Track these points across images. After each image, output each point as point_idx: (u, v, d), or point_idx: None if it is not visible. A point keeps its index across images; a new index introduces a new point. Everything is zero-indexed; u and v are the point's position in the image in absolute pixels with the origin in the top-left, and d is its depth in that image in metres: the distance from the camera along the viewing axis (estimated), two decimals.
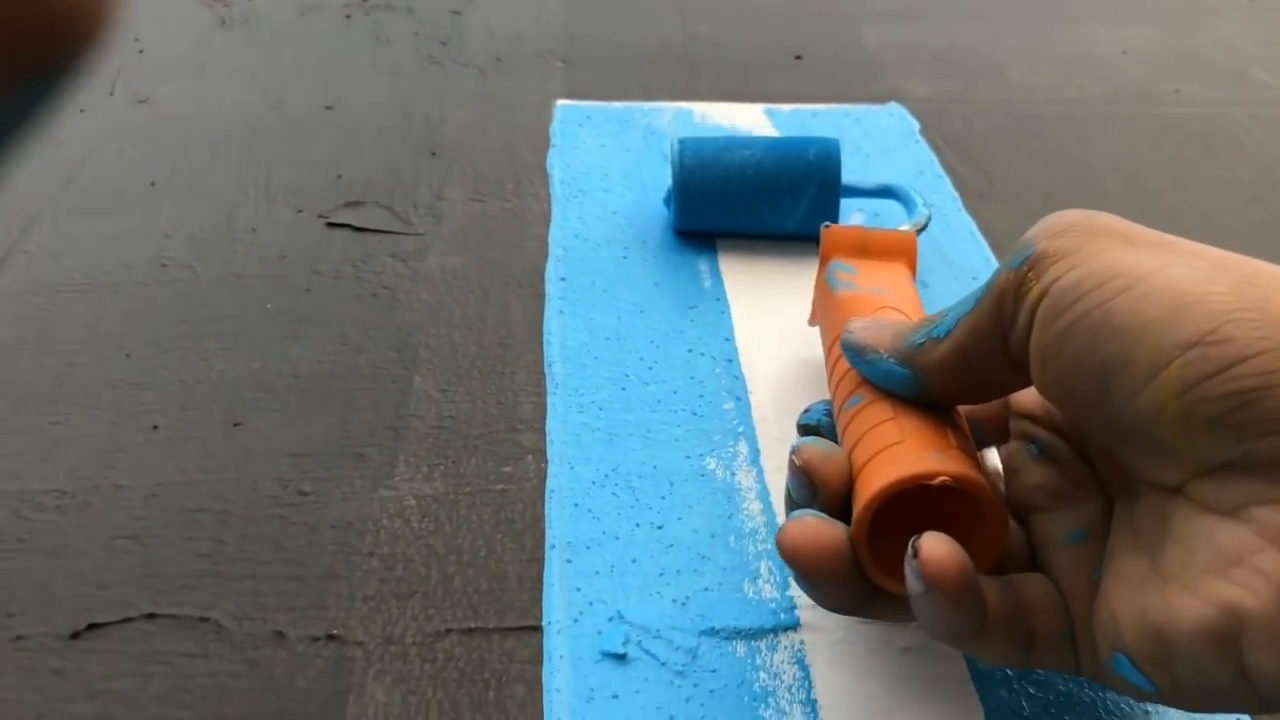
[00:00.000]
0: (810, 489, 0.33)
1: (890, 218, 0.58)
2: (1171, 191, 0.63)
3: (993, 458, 0.35)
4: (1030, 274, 0.28)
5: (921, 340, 0.32)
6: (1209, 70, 0.77)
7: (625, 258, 0.56)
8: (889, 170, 0.63)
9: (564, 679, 0.36)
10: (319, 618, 0.38)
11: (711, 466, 0.44)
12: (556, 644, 0.37)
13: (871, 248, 0.46)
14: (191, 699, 0.36)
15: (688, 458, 0.45)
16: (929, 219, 0.54)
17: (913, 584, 0.29)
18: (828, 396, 0.47)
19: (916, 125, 0.68)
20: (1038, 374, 0.28)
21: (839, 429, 0.35)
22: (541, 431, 0.46)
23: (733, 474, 0.44)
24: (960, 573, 0.28)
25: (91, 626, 0.38)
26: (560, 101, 0.71)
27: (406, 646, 0.37)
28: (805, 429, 0.38)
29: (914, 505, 0.31)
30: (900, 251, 0.46)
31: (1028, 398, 0.34)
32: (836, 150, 0.55)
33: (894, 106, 0.70)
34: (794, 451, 0.33)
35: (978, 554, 0.30)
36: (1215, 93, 0.74)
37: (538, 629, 0.38)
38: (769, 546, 0.41)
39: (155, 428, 0.46)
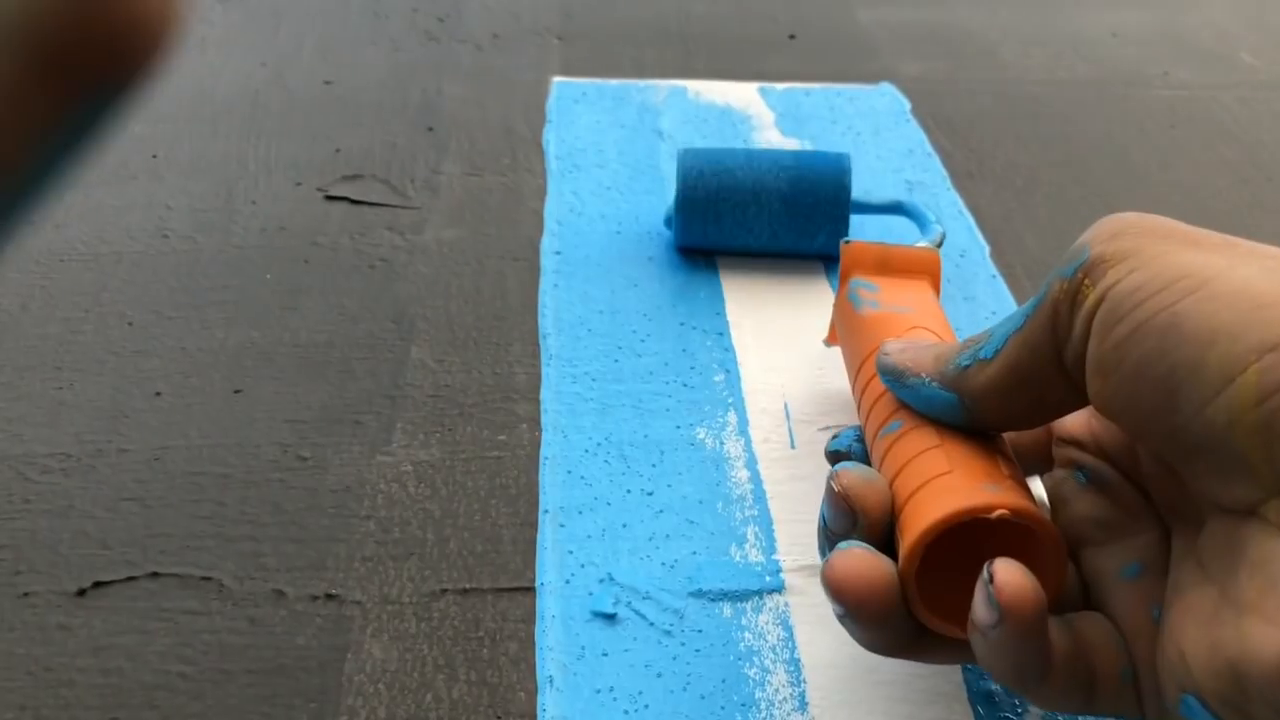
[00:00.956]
0: (850, 517, 0.30)
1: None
2: (1157, 172, 0.64)
3: (1037, 487, 0.32)
4: (1086, 280, 0.26)
5: (968, 362, 0.30)
6: (1198, 53, 0.78)
7: (619, 232, 0.57)
8: (879, 148, 0.64)
9: (555, 637, 0.37)
10: (318, 578, 0.39)
11: (701, 436, 0.46)
12: (548, 604, 0.39)
13: (893, 264, 0.44)
14: (194, 654, 0.37)
15: (678, 427, 0.46)
16: (944, 236, 0.51)
17: (983, 614, 0.26)
18: (817, 372, 0.48)
19: (908, 105, 0.69)
20: (1095, 387, 0.26)
21: (874, 457, 0.33)
22: (536, 401, 0.47)
23: (721, 443, 0.45)
24: (1037, 601, 0.26)
25: (97, 584, 0.39)
26: (556, 78, 0.71)
27: (403, 606, 0.38)
28: (835, 456, 0.35)
29: (965, 541, 0.29)
30: (923, 268, 0.44)
31: (1073, 421, 0.32)
32: (847, 166, 0.52)
33: (886, 86, 0.71)
34: (831, 477, 0.30)
35: None
36: (1203, 76, 0.75)
37: (530, 590, 0.39)
38: (756, 513, 0.42)
39: (158, 394, 0.47)
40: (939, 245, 0.50)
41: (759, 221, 0.53)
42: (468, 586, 0.39)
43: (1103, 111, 0.70)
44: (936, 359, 0.31)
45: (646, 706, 0.35)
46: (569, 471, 0.44)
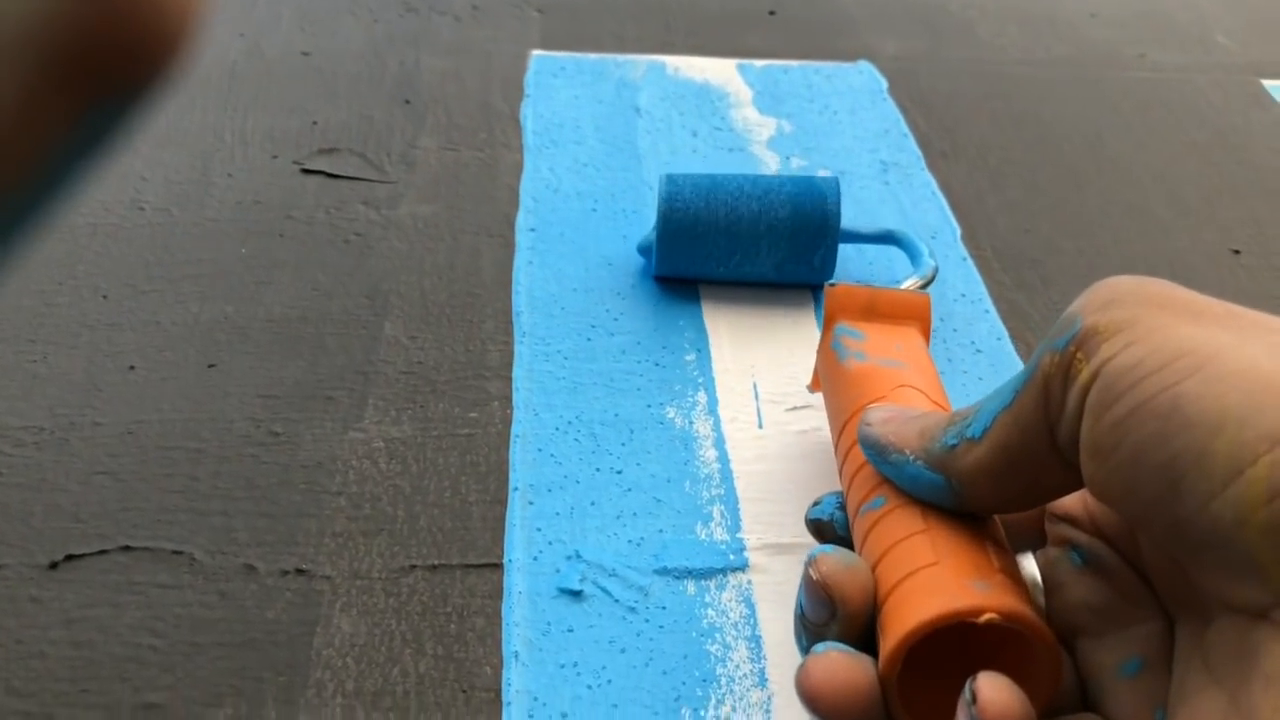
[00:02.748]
0: (828, 608, 0.28)
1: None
2: (1130, 154, 0.64)
3: (1029, 566, 0.30)
4: (1079, 354, 0.24)
5: (954, 441, 0.27)
6: (1174, 35, 0.78)
7: (594, 210, 0.57)
8: (855, 127, 0.65)
9: (522, 613, 0.38)
10: (289, 553, 0.40)
11: (671, 415, 0.46)
12: (516, 580, 0.39)
13: (880, 309, 0.41)
14: (165, 627, 0.37)
15: (648, 406, 0.47)
16: (936, 272, 0.49)
17: None
18: (786, 353, 0.49)
19: (885, 84, 0.69)
20: (1090, 470, 0.24)
21: (856, 534, 0.31)
22: (508, 379, 0.47)
23: (691, 423, 0.46)
24: None
25: (69, 558, 0.39)
26: (535, 52, 0.71)
27: (372, 581, 0.39)
28: (816, 526, 0.33)
29: (951, 639, 0.27)
30: (912, 314, 0.41)
31: (1069, 497, 0.29)
32: (836, 195, 0.50)
33: (863, 64, 0.71)
34: (809, 563, 0.28)
35: (1029, 695, 0.25)
36: (1179, 57, 0.75)
37: (499, 566, 0.40)
38: (722, 491, 0.43)
39: (132, 368, 0.47)
40: (931, 280, 0.48)
41: (743, 255, 0.50)
42: (436, 563, 0.40)
43: (1078, 92, 0.70)
44: (921, 434, 0.29)
45: (609, 681, 0.36)
46: (539, 449, 0.44)
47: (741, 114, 0.65)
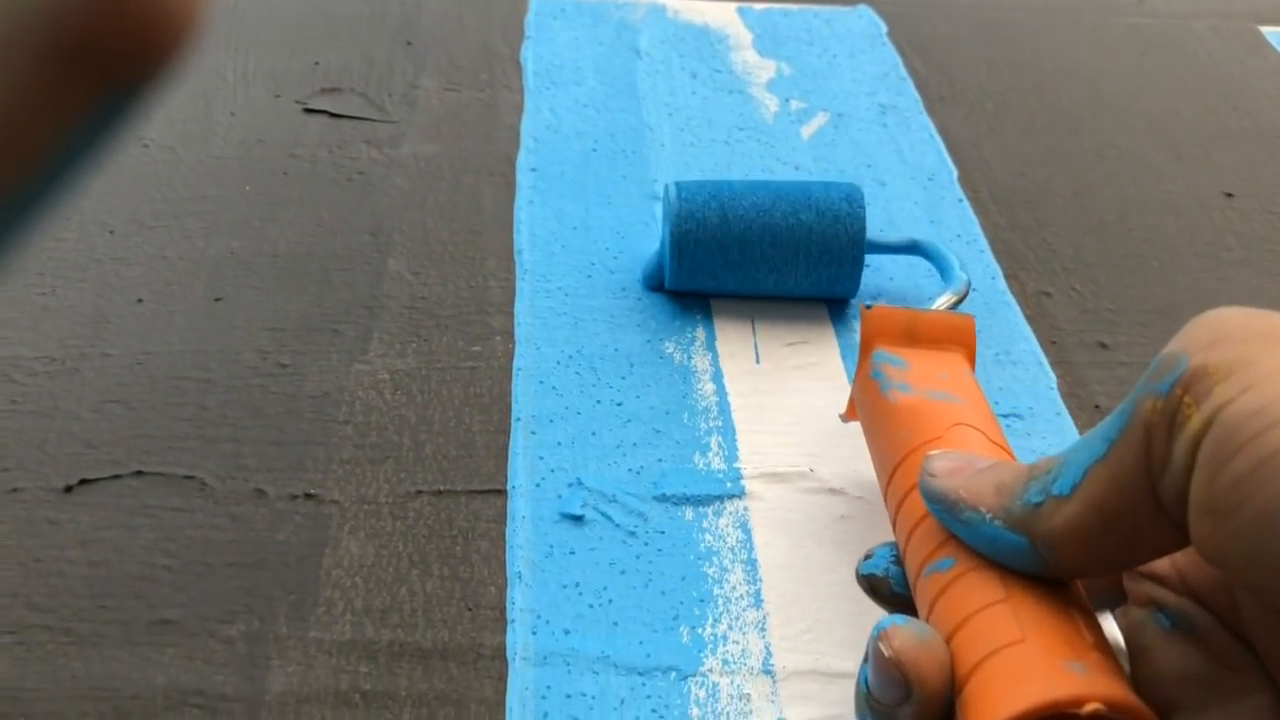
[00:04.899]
0: (903, 689, 0.25)
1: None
2: (1126, 99, 0.65)
3: (1110, 627, 0.26)
4: (1186, 398, 0.21)
5: (1038, 499, 0.24)
6: None
7: (595, 150, 0.58)
8: (854, 71, 0.65)
9: (525, 536, 0.39)
10: (297, 478, 0.41)
11: (670, 350, 0.47)
12: (519, 506, 0.40)
13: (921, 332, 0.38)
14: (177, 548, 0.38)
15: (648, 341, 0.47)
16: (969, 287, 0.45)
17: None
18: (789, 313, 0.50)
19: (884, 28, 0.70)
20: (1204, 531, 0.21)
21: (920, 597, 0.28)
22: (510, 314, 0.48)
23: (689, 357, 0.47)
24: None
25: (83, 482, 0.40)
26: None
27: (379, 505, 0.40)
28: (869, 582, 0.30)
29: None
30: (956, 338, 0.38)
31: None
32: (860, 204, 0.46)
33: (863, 9, 0.71)
34: (879, 637, 0.25)
35: None
36: (1177, 4, 0.75)
37: (502, 492, 0.41)
38: (720, 423, 0.44)
39: (139, 301, 0.48)
40: (964, 296, 0.45)
41: (762, 271, 0.47)
42: (442, 488, 0.41)
43: (1077, 39, 0.71)
44: (998, 490, 0.26)
45: (610, 601, 0.37)
46: (541, 382, 0.45)
47: (741, 57, 0.66)
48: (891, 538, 0.31)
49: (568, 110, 0.61)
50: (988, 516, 0.26)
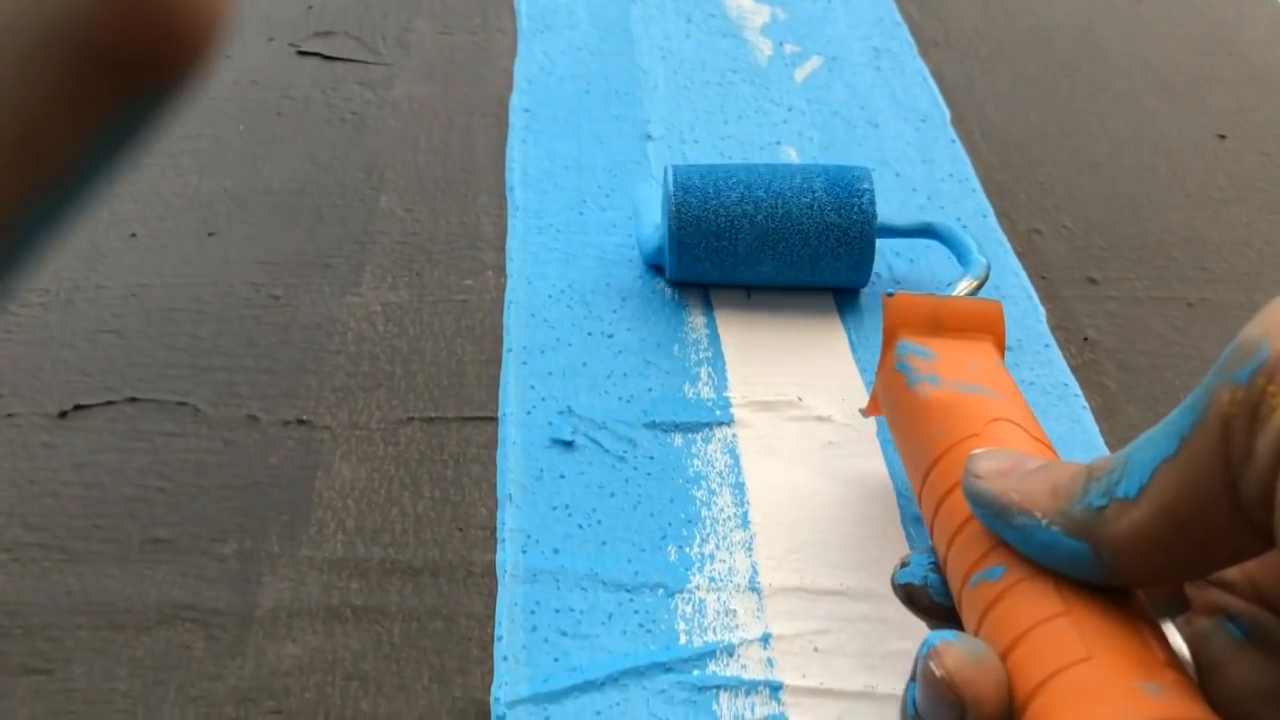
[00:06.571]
0: (956, 711, 0.23)
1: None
2: (1120, 44, 0.65)
3: (1174, 638, 0.24)
4: (1270, 387, 0.20)
5: (1101, 501, 0.22)
6: None
7: (588, 92, 0.58)
8: (849, 16, 0.65)
9: (516, 461, 0.40)
10: (290, 405, 0.41)
11: (661, 285, 0.47)
12: (510, 432, 0.41)
13: (948, 321, 0.36)
14: (171, 471, 0.39)
15: (639, 276, 0.48)
16: (989, 271, 0.43)
17: None
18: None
19: None
20: None
21: (966, 609, 0.26)
22: (502, 250, 0.48)
23: (680, 291, 0.47)
24: None
25: (78, 407, 0.41)
26: None
27: (371, 431, 0.40)
28: (906, 591, 0.28)
29: None
30: (984, 326, 0.36)
31: None
32: (869, 190, 0.44)
33: None
34: (929, 655, 0.23)
35: None
36: None
37: (493, 419, 0.41)
38: (710, 354, 0.44)
39: (133, 235, 0.48)
40: (984, 281, 0.42)
41: (766, 258, 0.45)
42: (433, 415, 0.41)
43: None
44: (1054, 493, 0.23)
45: (599, 522, 0.38)
46: (532, 314, 0.46)
47: (736, 1, 0.66)
48: (927, 543, 0.29)
49: (561, 53, 0.61)
50: (1043, 521, 0.23)
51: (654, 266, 0.48)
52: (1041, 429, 0.31)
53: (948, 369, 0.33)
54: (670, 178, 0.45)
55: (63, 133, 0.13)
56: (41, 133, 0.12)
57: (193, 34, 0.13)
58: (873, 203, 0.44)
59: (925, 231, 0.46)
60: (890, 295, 0.36)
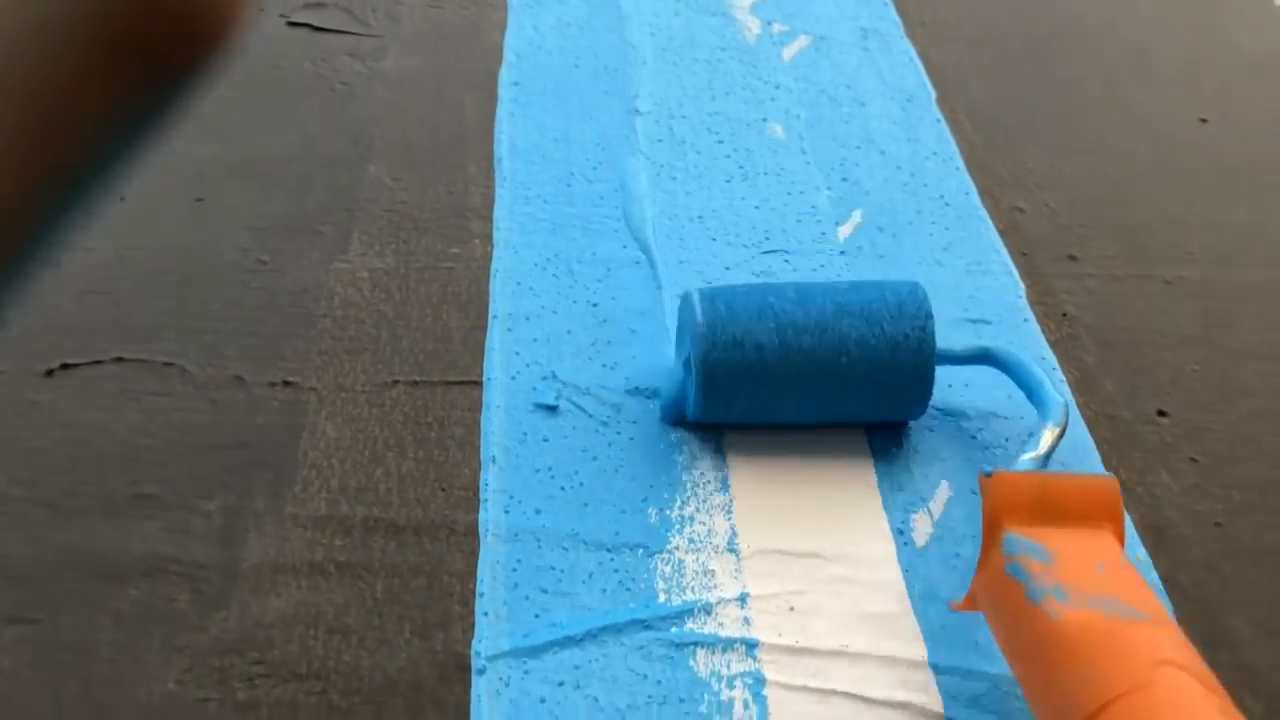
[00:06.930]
0: None
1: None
2: (1106, 29, 0.65)
3: None
4: None
5: None
6: None
7: (577, 66, 0.58)
8: None
9: (499, 424, 0.40)
10: (276, 367, 0.41)
11: (644, 259, 0.48)
12: (494, 396, 0.41)
13: (1056, 505, 0.31)
14: (157, 429, 0.39)
15: (625, 247, 0.48)
16: (1068, 414, 0.36)
17: None
18: (755, 211, 0.50)
19: None
20: None
21: None
22: (489, 219, 0.49)
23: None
24: None
25: (65, 366, 0.41)
26: None
27: (356, 394, 0.41)
28: None
29: None
30: (1099, 510, 0.31)
31: None
32: (926, 316, 0.37)
33: None
34: None
35: None
36: None
37: (478, 384, 0.42)
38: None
39: (121, 199, 0.48)
40: (1065, 429, 0.35)
41: (807, 402, 0.37)
42: (418, 379, 0.42)
43: None
44: None
45: (581, 484, 0.38)
46: (518, 283, 0.46)
47: None
48: None
49: (551, 28, 0.61)
50: None
51: (675, 422, 0.40)
52: (1203, 664, 0.26)
53: (1071, 575, 0.29)
54: (698, 308, 0.37)
55: (88, 111, 0.13)
56: (67, 111, 0.13)
57: (213, 15, 0.13)
58: (931, 336, 0.37)
59: (982, 358, 0.40)
60: (988, 475, 0.31)
